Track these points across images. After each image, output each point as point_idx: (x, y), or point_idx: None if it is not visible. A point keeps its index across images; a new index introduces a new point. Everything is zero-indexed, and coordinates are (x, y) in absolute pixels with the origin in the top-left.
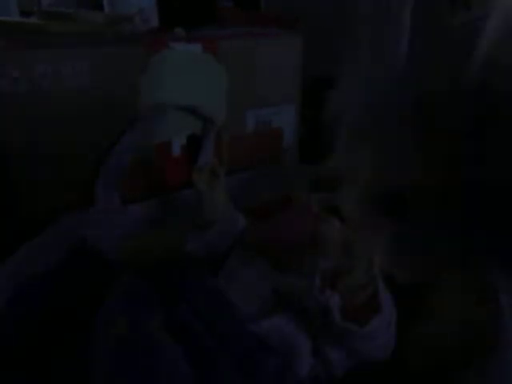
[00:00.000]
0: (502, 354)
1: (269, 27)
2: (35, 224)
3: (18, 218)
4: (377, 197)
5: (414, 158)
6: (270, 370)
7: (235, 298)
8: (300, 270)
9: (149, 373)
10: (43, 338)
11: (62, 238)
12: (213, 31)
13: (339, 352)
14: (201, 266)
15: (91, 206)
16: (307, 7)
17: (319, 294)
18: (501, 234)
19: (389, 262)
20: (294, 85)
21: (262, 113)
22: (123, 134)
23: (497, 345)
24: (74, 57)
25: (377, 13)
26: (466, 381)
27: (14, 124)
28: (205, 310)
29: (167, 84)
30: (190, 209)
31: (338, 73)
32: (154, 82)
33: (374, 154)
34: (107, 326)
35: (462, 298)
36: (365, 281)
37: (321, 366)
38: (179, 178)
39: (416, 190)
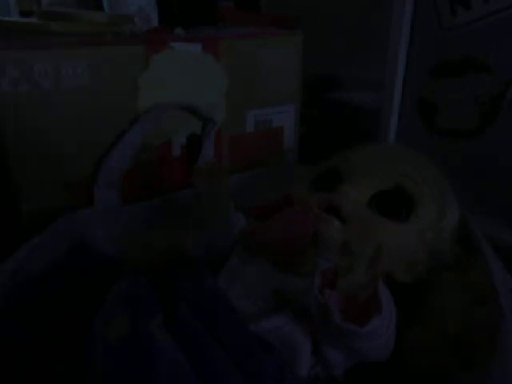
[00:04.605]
0: (502, 355)
1: (269, 27)
2: (35, 224)
3: (18, 218)
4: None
5: None
6: (270, 369)
7: (235, 297)
8: (300, 270)
9: (149, 373)
10: (43, 338)
11: (61, 238)
12: (213, 31)
13: (339, 352)
14: (201, 266)
15: (91, 205)
16: (307, 7)
17: (319, 294)
18: None
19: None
20: (294, 85)
21: (262, 113)
22: (123, 134)
23: (497, 345)
24: (74, 57)
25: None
26: (466, 381)
27: (14, 124)
28: (205, 310)
29: (167, 84)
30: (190, 209)
31: (337, 73)
32: (154, 82)
33: None
34: (107, 325)
35: (461, 298)
36: (365, 281)
37: (321, 365)
38: (179, 178)
39: None
